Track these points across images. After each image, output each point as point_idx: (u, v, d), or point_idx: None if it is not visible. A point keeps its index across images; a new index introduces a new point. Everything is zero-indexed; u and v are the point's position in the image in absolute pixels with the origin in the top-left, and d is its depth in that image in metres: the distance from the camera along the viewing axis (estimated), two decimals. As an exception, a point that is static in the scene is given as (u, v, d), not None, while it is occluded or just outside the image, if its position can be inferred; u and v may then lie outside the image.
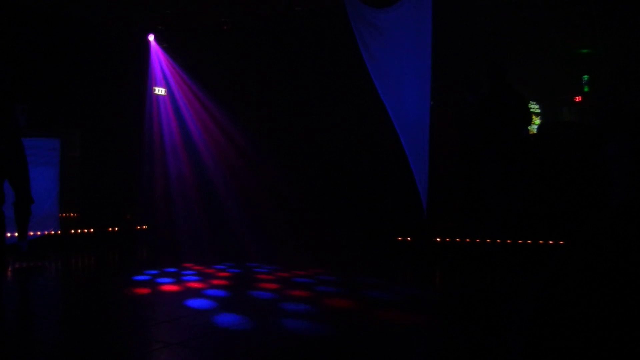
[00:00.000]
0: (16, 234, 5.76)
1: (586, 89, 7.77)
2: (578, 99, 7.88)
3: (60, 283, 5.33)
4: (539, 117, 8.36)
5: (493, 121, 5.70)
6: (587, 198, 5.80)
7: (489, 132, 5.72)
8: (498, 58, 6.05)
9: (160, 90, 8.56)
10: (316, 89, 7.78)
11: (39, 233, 7.33)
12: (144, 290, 4.51)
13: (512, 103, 5.66)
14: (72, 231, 7.68)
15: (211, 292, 4.39)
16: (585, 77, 7.75)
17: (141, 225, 8.33)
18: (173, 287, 4.64)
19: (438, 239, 6.31)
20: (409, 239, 6.50)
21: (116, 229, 8.08)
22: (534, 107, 8.26)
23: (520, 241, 5.75)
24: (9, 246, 5.73)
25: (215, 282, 4.92)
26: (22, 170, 5.58)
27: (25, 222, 5.69)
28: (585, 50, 7.71)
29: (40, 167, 7.56)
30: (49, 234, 7.40)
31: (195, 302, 3.96)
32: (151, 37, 8.31)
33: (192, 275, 5.27)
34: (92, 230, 7.84)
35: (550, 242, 5.72)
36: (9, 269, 5.52)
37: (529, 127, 6.26)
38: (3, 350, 2.88)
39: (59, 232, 7.47)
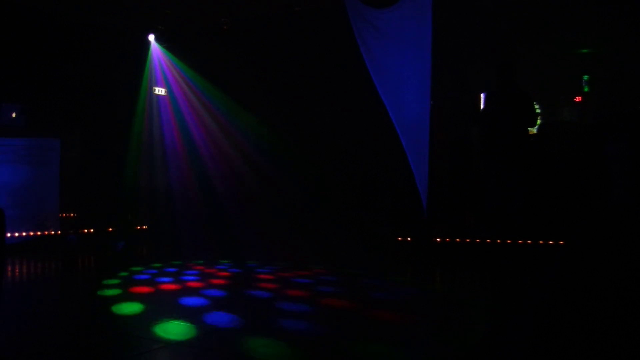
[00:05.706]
0: None
1: (586, 89, 7.76)
2: (578, 99, 7.87)
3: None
4: (539, 117, 8.34)
5: (499, 120, 5.70)
6: (587, 198, 5.80)
7: (495, 131, 5.72)
8: (507, 60, 6.06)
9: (160, 90, 8.55)
10: (316, 89, 7.76)
11: (38, 233, 7.34)
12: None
13: (519, 102, 5.68)
14: (72, 231, 7.67)
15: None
16: (585, 77, 7.74)
17: (141, 225, 8.32)
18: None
19: (438, 239, 6.31)
20: (409, 239, 6.49)
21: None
22: (535, 107, 8.23)
23: (520, 241, 5.74)
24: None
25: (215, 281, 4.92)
26: None
27: None
28: (585, 50, 7.70)
29: (40, 167, 7.57)
30: (49, 234, 7.40)
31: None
32: (151, 37, 8.30)
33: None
34: (92, 230, 7.83)
35: (550, 242, 5.72)
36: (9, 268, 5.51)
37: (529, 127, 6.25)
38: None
39: (59, 232, 7.47)
